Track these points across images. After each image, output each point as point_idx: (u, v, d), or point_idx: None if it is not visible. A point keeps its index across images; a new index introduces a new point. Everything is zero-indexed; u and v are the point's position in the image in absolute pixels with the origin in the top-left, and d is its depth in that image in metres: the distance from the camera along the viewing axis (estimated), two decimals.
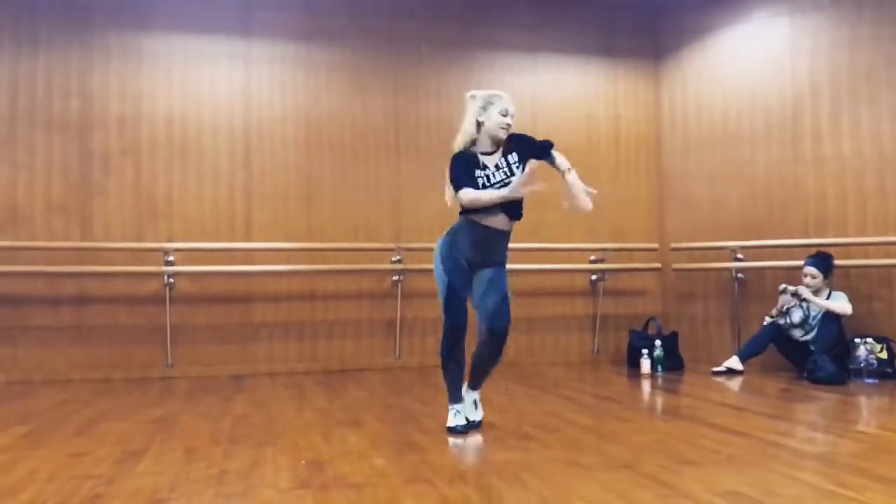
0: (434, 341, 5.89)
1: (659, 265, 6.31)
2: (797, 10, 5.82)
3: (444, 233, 3.46)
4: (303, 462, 2.78)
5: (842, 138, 5.56)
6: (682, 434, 3.21)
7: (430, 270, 5.81)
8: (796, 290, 5.17)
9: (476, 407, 3.49)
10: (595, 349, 6.26)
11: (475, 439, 3.20)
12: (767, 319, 5.34)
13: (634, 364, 5.60)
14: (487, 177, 3.29)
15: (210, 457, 2.87)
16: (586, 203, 3.26)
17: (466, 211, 3.32)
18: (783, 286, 5.26)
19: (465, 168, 3.28)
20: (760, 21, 6.00)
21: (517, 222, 3.39)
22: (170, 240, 5.50)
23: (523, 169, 3.24)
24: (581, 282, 6.31)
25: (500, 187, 3.23)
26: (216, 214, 5.63)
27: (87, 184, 5.42)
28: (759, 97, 5.96)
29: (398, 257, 5.74)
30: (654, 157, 6.50)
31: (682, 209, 6.34)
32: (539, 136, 6.06)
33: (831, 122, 5.60)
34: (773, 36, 5.92)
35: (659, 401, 4.42)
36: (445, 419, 3.63)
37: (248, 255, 5.65)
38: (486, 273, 3.36)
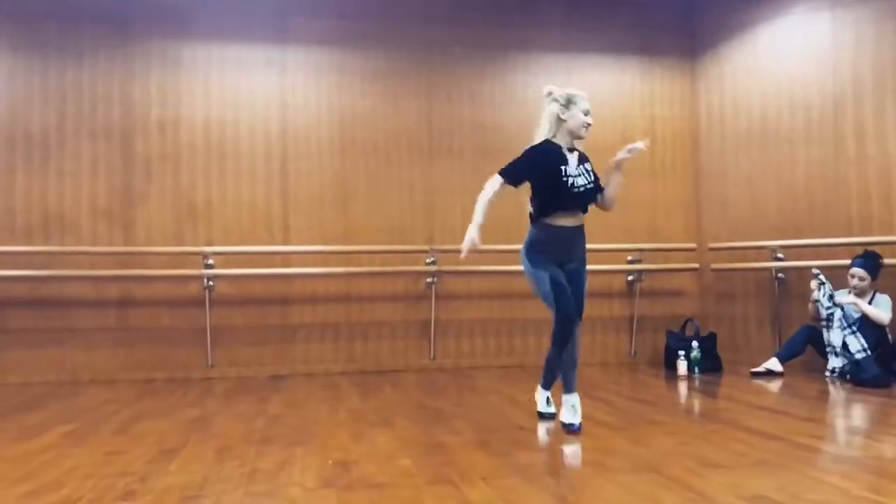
0: (468, 343, 5.96)
1: (697, 265, 6.22)
2: (839, 3, 5.68)
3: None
4: (330, 462, 2.82)
5: (887, 136, 5.40)
6: (713, 437, 3.17)
7: (464, 272, 5.91)
8: (831, 292, 5.04)
9: (575, 412, 3.34)
10: (632, 350, 6.20)
11: (503, 439, 3.20)
12: (823, 312, 5.12)
13: (671, 366, 5.53)
14: (568, 174, 3.31)
15: (242, 456, 2.94)
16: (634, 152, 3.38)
17: (538, 214, 3.39)
18: (816, 272, 5.12)
19: (532, 162, 3.35)
20: (800, 15, 5.88)
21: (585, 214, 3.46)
22: (209, 243, 5.62)
23: (594, 174, 3.44)
24: (618, 282, 6.26)
25: (582, 191, 3.33)
26: (254, 218, 5.74)
27: (129, 189, 5.58)
28: (800, 94, 5.84)
29: (432, 259, 5.77)
30: (692, 156, 6.41)
31: (720, 209, 6.24)
32: None
33: (876, 118, 5.45)
34: (814, 30, 5.79)
35: (693, 403, 4.37)
36: (476, 420, 3.66)
37: (286, 258, 5.75)
38: (570, 267, 3.43)
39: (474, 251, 3.35)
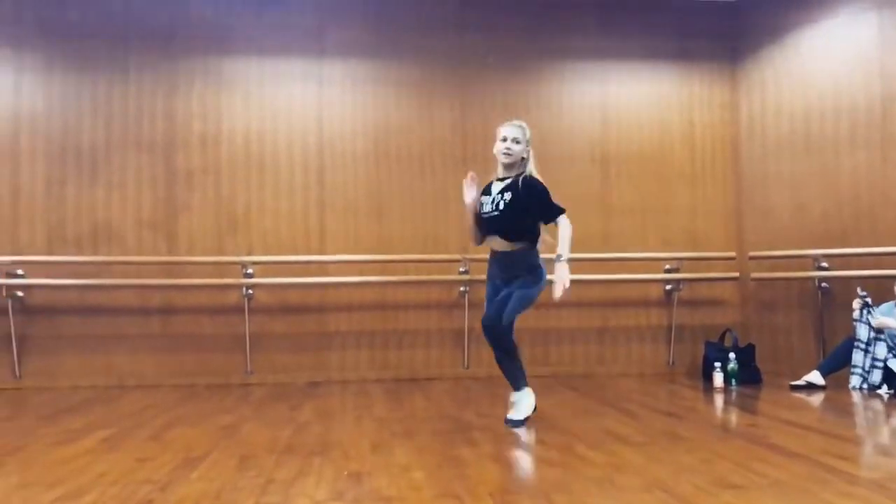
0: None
1: (737, 274, 6.10)
2: (885, 4, 5.51)
3: None
4: (345, 473, 2.88)
5: None
6: (734, 454, 3.11)
7: None
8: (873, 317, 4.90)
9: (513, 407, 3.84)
10: (670, 361, 6.12)
11: (521, 454, 3.21)
12: (864, 334, 4.99)
13: (709, 377, 5.43)
14: (482, 203, 3.79)
15: (261, 465, 3.02)
16: (557, 294, 3.62)
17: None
18: (863, 295, 4.98)
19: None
20: (845, 17, 5.72)
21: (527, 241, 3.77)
22: (248, 253, 5.78)
23: (506, 202, 3.70)
24: (656, 291, 6.18)
25: (486, 217, 3.76)
26: (292, 228, 5.87)
27: (172, 201, 5.77)
28: (845, 98, 5.67)
29: (465, 268, 5.80)
30: (732, 162, 6.29)
31: (761, 216, 6.11)
32: (609, 144, 6.18)
33: None
34: (860, 32, 5.63)
35: (722, 417, 4.29)
36: (496, 433, 3.69)
37: (322, 267, 5.86)
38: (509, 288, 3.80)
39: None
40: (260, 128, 5.90)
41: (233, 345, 5.73)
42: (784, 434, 3.55)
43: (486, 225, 3.80)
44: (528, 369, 5.96)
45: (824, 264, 5.64)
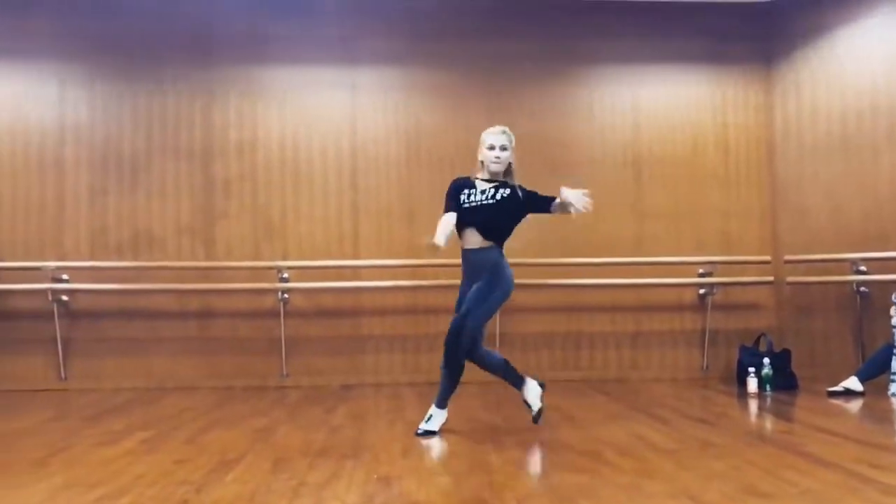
0: (534, 356, 6.00)
1: (772, 278, 6.02)
2: None
3: None
4: (375, 477, 2.94)
5: None
6: (765, 462, 3.09)
7: (527, 286, 5.96)
8: None
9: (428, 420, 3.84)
10: (704, 366, 6.07)
11: (549, 459, 3.24)
12: None
13: (744, 382, 5.38)
14: (469, 195, 3.80)
15: (295, 468, 3.10)
16: (586, 205, 3.66)
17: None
18: None
19: (449, 194, 3.87)
20: (882, 17, 5.62)
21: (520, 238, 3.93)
22: (284, 258, 5.88)
23: (503, 196, 3.78)
24: (690, 296, 6.14)
25: (474, 206, 3.77)
26: (326, 233, 5.96)
27: (210, 207, 5.91)
28: (883, 98, 5.58)
29: None
30: (767, 165, 6.22)
31: (797, 219, 6.03)
32: (642, 147, 6.17)
33: None
34: None
35: (755, 424, 4.25)
36: (525, 437, 3.71)
37: (356, 272, 5.94)
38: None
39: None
40: (294, 135, 6.00)
41: (269, 348, 5.84)
42: (817, 441, 3.52)
43: (467, 216, 3.80)
44: (561, 374, 6.07)
45: (862, 268, 5.55)
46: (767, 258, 6.06)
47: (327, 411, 4.63)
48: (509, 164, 3.87)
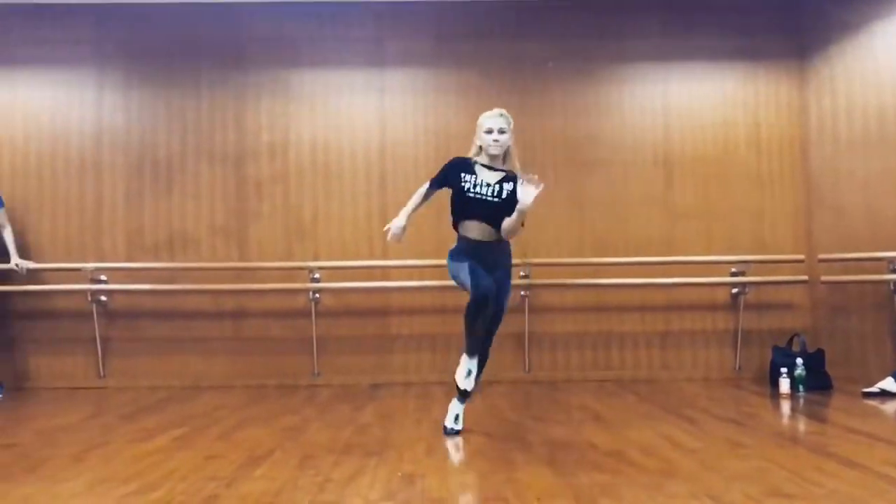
0: (564, 356, 6.00)
1: (806, 278, 5.93)
2: None
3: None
4: (399, 474, 2.98)
5: None
6: (791, 463, 3.07)
7: (557, 285, 5.97)
8: None
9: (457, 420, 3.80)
10: (737, 366, 6.00)
11: (573, 458, 3.24)
12: None
13: (776, 383, 5.30)
14: (474, 183, 3.69)
15: (321, 465, 3.16)
16: (532, 191, 3.48)
17: (454, 226, 3.85)
18: None
19: (447, 171, 3.82)
20: None
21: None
22: (315, 259, 5.97)
23: (509, 192, 3.65)
24: (722, 295, 6.07)
25: (480, 199, 3.66)
26: (356, 234, 6.03)
27: (243, 209, 6.02)
28: None
29: (524, 273, 5.84)
30: (800, 163, 6.12)
31: (831, 218, 5.92)
32: (673, 147, 6.08)
33: None
34: None
35: (785, 424, 4.20)
36: (551, 436, 3.71)
37: (385, 272, 6.00)
38: (496, 275, 3.68)
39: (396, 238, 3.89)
40: (325, 137, 6.08)
41: (300, 347, 5.93)
42: (848, 443, 3.47)
43: (474, 207, 3.69)
44: (591, 373, 6.06)
45: None
46: (801, 257, 5.96)
47: (356, 409, 4.69)
48: (508, 147, 3.75)
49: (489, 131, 3.73)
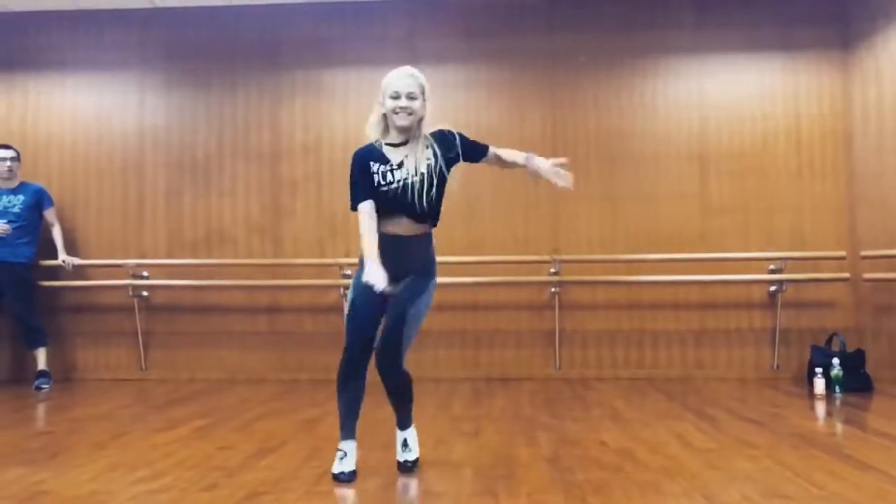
0: (595, 353, 5.93)
1: (848, 275, 5.71)
2: None
3: None
4: (397, 468, 3.02)
5: None
6: (800, 464, 2.98)
7: (589, 282, 5.92)
8: None
9: (406, 446, 3.10)
10: (775, 365, 5.83)
11: (577, 456, 3.22)
12: None
13: (813, 383, 5.14)
14: (383, 174, 2.91)
15: (326, 456, 3.22)
16: (567, 181, 2.93)
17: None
18: None
19: (356, 175, 2.96)
20: None
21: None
22: (346, 255, 6.06)
23: (437, 173, 2.90)
24: (759, 293, 5.90)
25: (397, 189, 2.88)
26: None
27: (277, 207, 6.15)
28: None
29: (556, 269, 5.80)
30: (843, 156, 5.90)
31: (876, 213, 5.69)
32: (708, 141, 5.82)
33: None
34: None
35: (807, 425, 4.05)
36: (562, 434, 3.69)
37: None
38: (397, 287, 2.95)
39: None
40: (357, 136, 6.04)
41: (332, 342, 5.98)
42: (867, 445, 3.35)
43: (390, 202, 2.91)
44: (623, 371, 5.98)
45: None
46: (843, 254, 5.75)
47: (377, 405, 4.69)
48: (421, 117, 2.95)
49: (395, 96, 2.92)
